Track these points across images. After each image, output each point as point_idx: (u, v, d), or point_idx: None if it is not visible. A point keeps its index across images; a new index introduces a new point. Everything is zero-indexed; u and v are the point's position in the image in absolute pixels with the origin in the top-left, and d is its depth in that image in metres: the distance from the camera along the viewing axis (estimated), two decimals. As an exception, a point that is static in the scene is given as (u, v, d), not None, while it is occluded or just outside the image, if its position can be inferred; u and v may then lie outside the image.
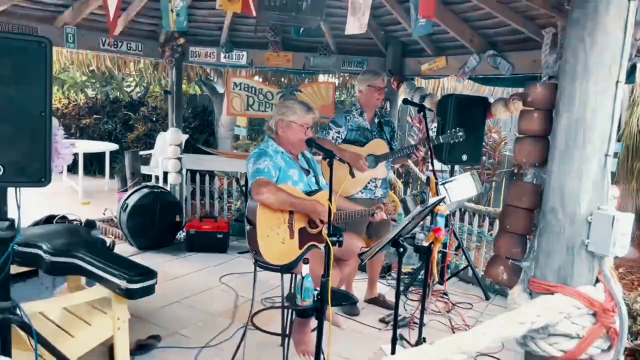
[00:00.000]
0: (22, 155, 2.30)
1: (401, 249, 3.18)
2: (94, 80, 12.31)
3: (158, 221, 6.13)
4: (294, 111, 3.64)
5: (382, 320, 4.46)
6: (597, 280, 2.02)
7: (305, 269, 3.00)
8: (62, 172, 9.26)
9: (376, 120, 4.70)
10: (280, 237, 3.48)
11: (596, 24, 1.84)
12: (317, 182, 3.82)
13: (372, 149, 4.60)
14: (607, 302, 1.99)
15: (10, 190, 2.43)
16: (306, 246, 3.55)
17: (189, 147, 9.40)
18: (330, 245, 2.79)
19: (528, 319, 1.95)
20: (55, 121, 2.44)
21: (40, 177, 2.35)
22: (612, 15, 1.83)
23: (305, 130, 3.64)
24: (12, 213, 2.47)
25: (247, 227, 3.48)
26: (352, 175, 4.49)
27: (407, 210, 4.73)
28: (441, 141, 4.49)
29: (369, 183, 4.60)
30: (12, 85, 2.23)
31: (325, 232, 2.89)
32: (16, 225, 2.45)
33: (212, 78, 8.95)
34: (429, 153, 4.37)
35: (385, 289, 5.15)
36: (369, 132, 4.64)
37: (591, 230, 1.95)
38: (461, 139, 4.41)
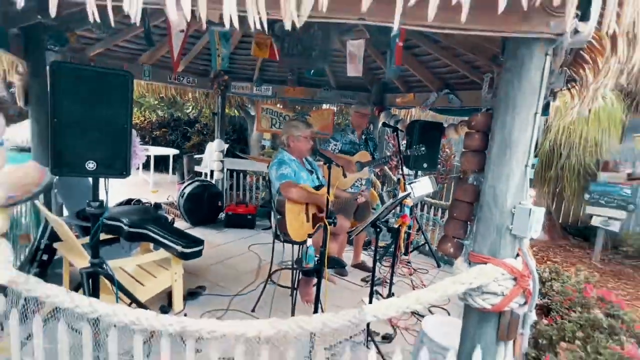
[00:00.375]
0: (110, 155, 2.31)
1: (378, 229, 3.25)
2: (162, 104, 12.31)
3: (206, 205, 6.13)
4: (299, 128, 3.65)
5: (363, 280, 4.45)
6: (518, 255, 2.02)
7: (309, 241, 3.01)
8: (138, 169, 9.45)
9: (363, 137, 4.68)
10: (300, 222, 3.48)
11: (522, 72, 1.84)
12: (318, 178, 3.80)
13: (360, 157, 4.58)
14: (524, 270, 1.99)
15: (101, 180, 2.44)
16: (317, 226, 3.54)
17: (229, 153, 9.36)
18: (327, 225, 2.81)
19: (467, 281, 1.95)
20: (134, 132, 2.44)
21: (122, 171, 2.36)
22: (534, 65, 1.82)
23: (309, 141, 3.65)
24: (102, 196, 2.47)
25: (277, 216, 3.46)
26: (345, 175, 4.51)
27: (383, 202, 4.74)
28: (408, 154, 4.47)
29: (356, 181, 4.59)
30: (105, 105, 2.24)
31: (324, 216, 2.93)
32: (105, 205, 2.46)
33: (246, 105, 8.92)
34: (400, 162, 4.37)
35: (366, 257, 5.15)
36: (357, 145, 4.62)
37: (514, 219, 1.94)
38: (423, 152, 4.40)
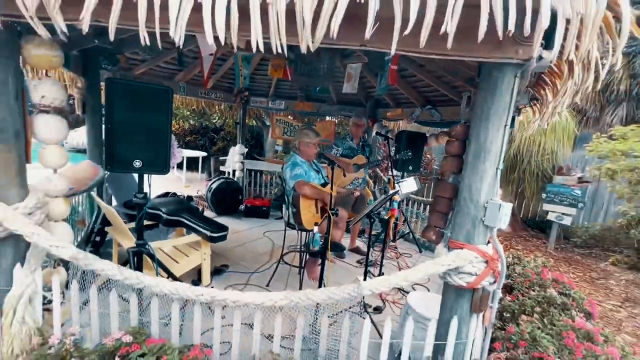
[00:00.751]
0: (153, 155, 2.31)
1: (372, 220, 3.21)
2: (194, 115, 12.17)
3: (229, 198, 6.08)
4: (309, 136, 3.63)
5: (358, 262, 4.42)
6: (489, 242, 2.02)
7: (316, 229, 3.00)
8: (174, 167, 9.37)
9: (360, 144, 4.65)
10: (312, 214, 3.44)
11: (495, 91, 1.84)
12: (323, 177, 3.79)
13: (357, 160, 4.56)
14: (494, 255, 1.99)
15: (145, 176, 2.44)
16: (325, 216, 3.52)
17: (248, 156, 9.24)
18: (331, 216, 2.81)
19: (446, 263, 1.95)
20: (173, 137, 2.45)
21: (162, 168, 2.36)
22: (505, 86, 1.82)
23: (316, 147, 3.65)
24: (145, 189, 2.48)
25: (293, 209, 3.43)
26: (344, 175, 4.50)
27: (375, 198, 4.72)
28: (397, 158, 4.45)
29: (354, 180, 4.57)
30: (149, 114, 2.24)
31: (328, 208, 2.92)
32: (148, 196, 2.46)
33: (263, 116, 8.85)
34: (390, 164, 4.36)
35: (361, 243, 5.11)
36: (355, 150, 4.60)
37: (486, 212, 1.94)
38: (409, 157, 4.38)
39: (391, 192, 3.38)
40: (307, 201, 3.44)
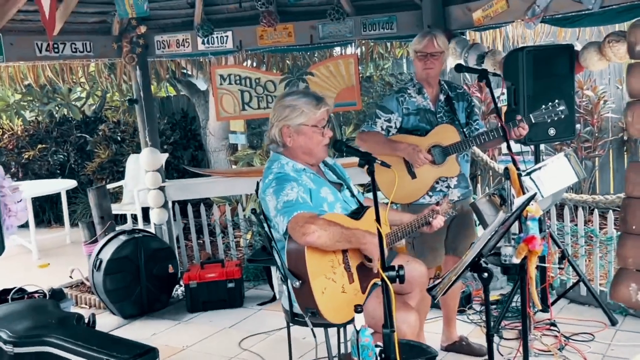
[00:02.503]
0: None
1: (485, 274, 1.55)
2: (30, 98, 6.45)
3: (145, 277, 3.09)
4: (299, 109, 1.78)
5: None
6: None
7: (359, 319, 1.39)
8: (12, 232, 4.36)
9: (442, 97, 2.30)
10: (339, 285, 1.74)
11: None
12: (354, 196, 1.94)
13: (438, 137, 2.23)
14: None
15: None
16: (369, 286, 1.79)
17: (172, 171, 5.27)
18: (389, 283, 1.36)
19: None
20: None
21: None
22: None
23: (323, 130, 1.80)
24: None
25: (296, 283, 1.72)
26: (413, 175, 2.21)
27: (481, 218, 2.38)
28: (532, 121, 2.17)
29: (437, 183, 2.25)
30: None
31: (379, 265, 1.41)
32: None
33: (189, 73, 4.79)
34: (502, 133, 2.09)
35: (468, 327, 2.60)
36: (432, 114, 2.27)
37: None
38: (563, 115, 2.15)
39: (520, 200, 1.66)
40: (324, 259, 1.74)
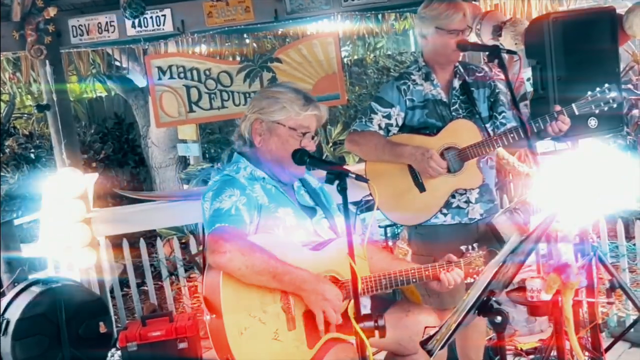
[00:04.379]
0: None
1: (498, 318, 1.11)
2: None
3: (68, 340, 2.35)
4: (281, 104, 1.42)
5: None
6: None
7: None
8: None
9: (456, 84, 1.74)
10: (270, 329, 1.31)
11: None
12: (332, 226, 1.51)
13: (453, 137, 1.68)
14: None
15: None
16: (321, 341, 1.33)
17: (106, 196, 4.16)
18: (365, 340, 1.11)
19: None
20: None
21: None
22: None
23: (301, 139, 1.41)
24: None
25: (206, 317, 1.40)
26: (421, 187, 1.66)
27: (501, 241, 1.69)
28: (576, 113, 1.59)
29: (452, 198, 1.70)
30: None
31: (352, 313, 1.19)
32: None
33: (121, 65, 3.55)
34: (523, 130, 1.56)
35: None
36: (444, 106, 1.74)
37: None
38: (615, 104, 1.59)
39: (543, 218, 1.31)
40: (249, 288, 1.34)
